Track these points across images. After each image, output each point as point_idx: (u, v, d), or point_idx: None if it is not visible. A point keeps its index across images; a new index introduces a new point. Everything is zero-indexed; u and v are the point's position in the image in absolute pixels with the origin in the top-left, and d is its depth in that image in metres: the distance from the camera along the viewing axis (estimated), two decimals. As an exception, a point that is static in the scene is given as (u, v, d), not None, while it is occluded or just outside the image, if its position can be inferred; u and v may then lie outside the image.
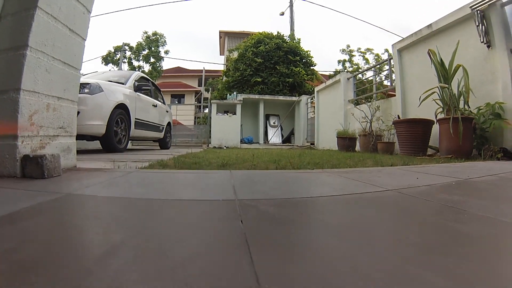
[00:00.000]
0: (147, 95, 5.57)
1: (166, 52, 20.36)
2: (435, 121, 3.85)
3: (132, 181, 1.26)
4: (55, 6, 1.57)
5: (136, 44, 19.63)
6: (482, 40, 3.61)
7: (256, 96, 11.64)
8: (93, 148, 5.19)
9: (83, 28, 1.85)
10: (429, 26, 4.53)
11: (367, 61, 20.82)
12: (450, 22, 4.15)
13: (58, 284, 0.38)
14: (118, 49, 19.16)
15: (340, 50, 21.31)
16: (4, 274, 0.41)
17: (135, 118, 4.85)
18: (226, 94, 12.26)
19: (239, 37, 21.81)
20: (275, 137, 11.95)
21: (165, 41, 20.23)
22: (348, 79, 7.35)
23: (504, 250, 0.64)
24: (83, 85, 3.61)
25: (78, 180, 1.25)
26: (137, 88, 5.10)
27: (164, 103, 6.95)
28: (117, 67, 18.61)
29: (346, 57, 21.14)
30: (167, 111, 6.98)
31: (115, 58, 19.11)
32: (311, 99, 10.74)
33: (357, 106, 6.63)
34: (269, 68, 12.78)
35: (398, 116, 4.95)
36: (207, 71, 24.34)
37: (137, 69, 18.83)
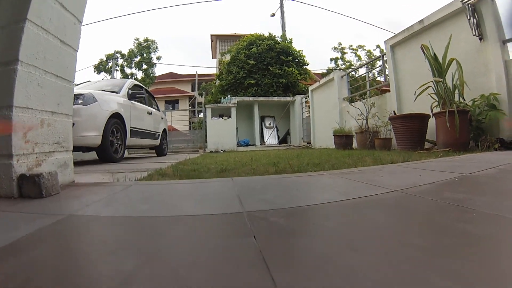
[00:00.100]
0: (141, 102, 5.52)
1: (158, 58, 20.32)
2: (431, 115, 3.88)
3: (133, 196, 1.23)
4: (45, 18, 1.53)
5: (128, 51, 19.55)
6: (474, 33, 3.64)
7: (250, 98, 11.65)
8: (89, 159, 5.13)
9: (74, 39, 1.80)
10: (421, 21, 4.56)
11: (359, 57, 20.99)
12: (441, 16, 4.18)
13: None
14: (110, 57, 19.06)
15: (332, 48, 21.49)
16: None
17: (131, 127, 4.79)
18: (220, 98, 12.25)
19: (231, 39, 21.82)
20: (271, 138, 11.95)
21: (156, 47, 20.21)
22: (341, 77, 7.37)
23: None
24: (76, 96, 3.56)
25: (77, 197, 1.22)
26: (131, 96, 5.05)
27: (158, 109, 6.90)
28: (109, 75, 18.49)
29: (338, 55, 21.32)
30: (162, 118, 6.93)
31: (107, 66, 18.99)
32: (305, 99, 10.76)
33: (352, 104, 6.66)
34: (262, 69, 12.79)
35: (394, 112, 4.97)
36: (200, 75, 24.28)
37: (130, 77, 18.73)
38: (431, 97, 3.78)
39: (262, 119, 12.18)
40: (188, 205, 1.05)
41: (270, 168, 2.49)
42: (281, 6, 17.39)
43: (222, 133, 10.22)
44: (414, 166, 2.07)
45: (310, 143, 9.48)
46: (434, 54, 3.73)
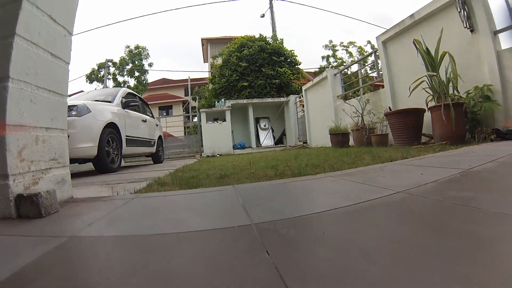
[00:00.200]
0: (135, 110, 5.47)
1: (150, 65, 20.25)
2: (427, 109, 3.89)
3: (135, 211, 1.20)
4: (34, 32, 1.49)
5: (120, 59, 19.43)
6: (465, 26, 3.66)
7: (244, 101, 11.64)
8: (86, 170, 5.06)
9: (65, 51, 1.76)
10: (412, 16, 4.59)
11: (350, 54, 21.11)
12: (432, 10, 4.21)
13: None
14: (101, 66, 18.91)
15: (323, 46, 21.56)
16: None
17: (126, 136, 4.74)
18: (214, 102, 12.22)
19: (222, 42, 21.77)
20: (267, 139, 11.94)
21: (148, 53, 20.14)
22: (335, 75, 7.39)
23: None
24: (70, 108, 3.51)
25: (78, 216, 1.18)
26: (125, 105, 5.00)
27: (153, 117, 6.85)
28: (102, 84, 18.34)
29: (330, 53, 21.40)
30: (157, 125, 6.88)
31: (99, 75, 18.84)
32: (299, 98, 10.77)
33: (347, 101, 6.67)
34: (254, 71, 12.78)
35: (390, 108, 4.98)
36: (192, 79, 24.22)
37: (122, 85, 18.62)
38: (426, 91, 3.80)
39: (257, 120, 12.17)
40: (194, 219, 1.02)
41: (269, 171, 2.47)
42: (271, 7, 17.43)
43: (217, 137, 10.17)
44: (414, 163, 2.07)
45: (306, 142, 9.48)
46: (427, 48, 3.75)
